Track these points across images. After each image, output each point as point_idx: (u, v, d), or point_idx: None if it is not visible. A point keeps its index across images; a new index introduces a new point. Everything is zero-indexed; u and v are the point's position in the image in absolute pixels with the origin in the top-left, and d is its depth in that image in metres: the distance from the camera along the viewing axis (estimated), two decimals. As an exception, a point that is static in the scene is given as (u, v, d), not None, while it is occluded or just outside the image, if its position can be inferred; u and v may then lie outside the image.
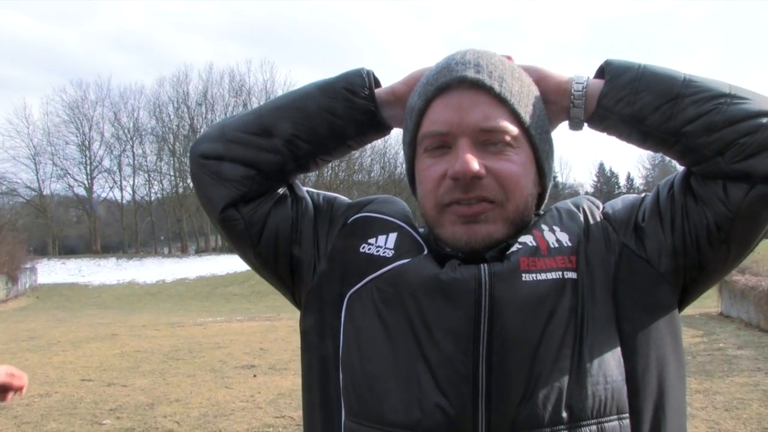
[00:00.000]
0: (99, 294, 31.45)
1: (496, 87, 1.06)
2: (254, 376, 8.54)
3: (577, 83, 1.12)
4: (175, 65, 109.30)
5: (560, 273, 1.05)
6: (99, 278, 36.20)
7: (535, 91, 1.13)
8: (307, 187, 1.33)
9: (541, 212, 1.19)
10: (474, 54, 1.11)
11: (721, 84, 1.04)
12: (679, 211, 1.07)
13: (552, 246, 1.07)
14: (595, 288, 1.05)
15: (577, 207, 1.16)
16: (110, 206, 58.26)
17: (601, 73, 1.11)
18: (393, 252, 1.13)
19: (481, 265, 1.04)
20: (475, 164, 1.02)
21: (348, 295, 1.12)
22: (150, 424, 6.27)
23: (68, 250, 54.58)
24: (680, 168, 1.12)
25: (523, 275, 1.03)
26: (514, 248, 1.06)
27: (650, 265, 1.07)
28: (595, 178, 71.77)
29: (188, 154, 1.27)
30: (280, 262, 1.21)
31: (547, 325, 1.01)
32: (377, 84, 1.22)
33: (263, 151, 1.18)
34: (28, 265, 32.80)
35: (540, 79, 1.15)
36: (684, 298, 1.11)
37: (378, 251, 1.14)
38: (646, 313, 1.06)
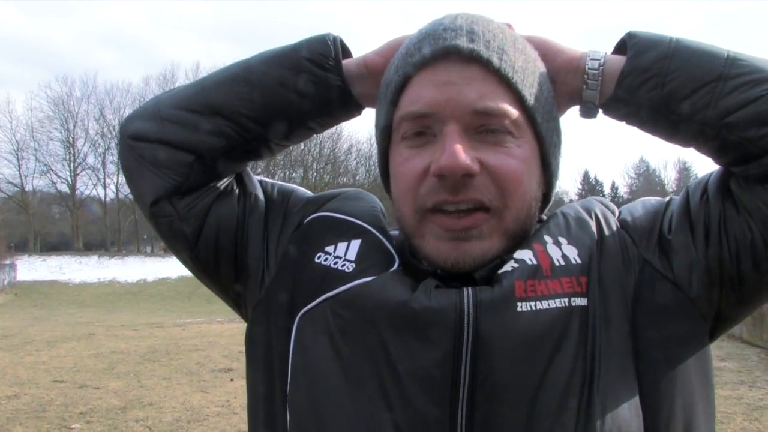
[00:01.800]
0: (79, 292, 31.06)
1: (495, 60, 0.85)
2: (231, 380, 8.35)
3: (592, 59, 0.91)
4: (163, 64, 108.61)
5: (566, 300, 0.83)
6: (80, 276, 35.79)
7: (541, 68, 0.92)
8: (303, 188, 1.11)
9: (544, 218, 0.98)
10: (467, 18, 0.89)
11: None
12: (715, 220, 0.86)
13: (557, 264, 0.86)
14: (610, 317, 0.84)
15: (589, 213, 0.94)
16: (93, 204, 57.80)
17: (622, 48, 0.91)
18: (354, 266, 0.91)
19: (464, 291, 0.83)
20: (465, 157, 0.81)
21: (298, 316, 0.91)
22: (121, 429, 6.08)
23: (50, 247, 54.04)
24: (697, 173, 0.92)
25: (519, 304, 0.82)
26: (508, 267, 0.85)
27: (678, 289, 0.85)
28: (580, 186, 72.01)
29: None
30: (222, 267, 1.02)
31: (549, 368, 0.80)
32: (346, 54, 1.01)
33: (204, 133, 0.97)
34: (7, 262, 32.36)
35: (547, 53, 0.94)
36: (717, 326, 0.89)
37: (336, 263, 0.92)
38: (672, 348, 0.84)
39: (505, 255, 0.87)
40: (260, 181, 1.09)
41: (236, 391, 7.62)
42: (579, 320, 0.82)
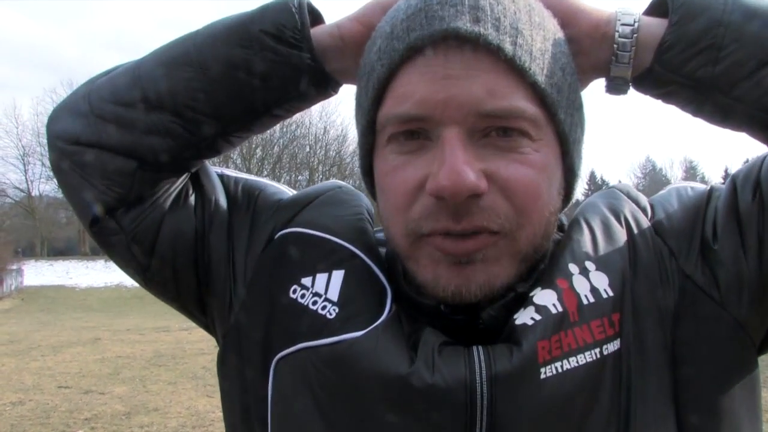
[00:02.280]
0: (86, 297, 31.06)
1: (508, 46, 0.66)
2: (237, 384, 8.29)
3: (623, 24, 0.72)
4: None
5: (598, 351, 0.68)
6: (86, 280, 35.82)
7: (563, 44, 0.73)
8: (274, 183, 0.94)
9: (563, 219, 0.83)
10: None
11: None
12: None
13: (585, 302, 0.70)
14: (647, 354, 0.69)
15: (617, 217, 0.78)
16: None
17: (659, 6, 0.73)
18: (336, 310, 0.74)
19: (475, 354, 0.68)
20: (470, 175, 0.64)
21: (275, 359, 0.76)
22: (125, 436, 6.01)
23: (57, 252, 54.23)
24: (765, 152, 0.74)
25: (542, 370, 0.66)
26: (527, 319, 0.69)
27: (724, 310, 0.71)
28: (586, 187, 71.78)
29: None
30: (182, 291, 0.86)
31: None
32: (317, 20, 0.82)
33: (145, 132, 0.79)
34: (14, 267, 32.40)
35: (568, 16, 0.74)
36: (764, 344, 0.75)
37: (315, 304, 0.75)
38: (716, 380, 0.71)
39: (519, 285, 0.73)
40: (221, 177, 0.90)
41: (242, 396, 7.56)
42: (612, 370, 0.69)
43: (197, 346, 11.77)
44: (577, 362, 0.67)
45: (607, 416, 0.68)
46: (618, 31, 0.72)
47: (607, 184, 71.01)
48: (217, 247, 0.84)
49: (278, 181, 0.96)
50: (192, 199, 0.86)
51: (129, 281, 30.58)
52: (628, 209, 0.80)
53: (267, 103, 0.81)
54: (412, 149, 0.69)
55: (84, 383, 8.45)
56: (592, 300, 0.71)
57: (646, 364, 0.70)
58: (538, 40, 0.69)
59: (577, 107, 0.75)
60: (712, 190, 0.79)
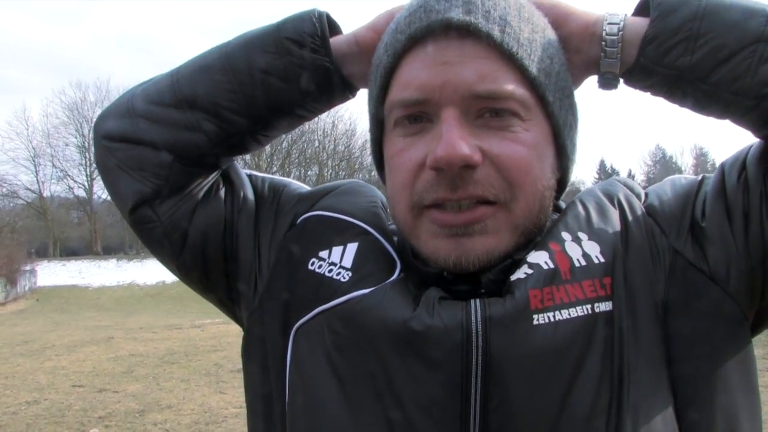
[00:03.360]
0: (99, 296, 31.31)
1: (496, 33, 0.74)
2: (250, 380, 8.33)
3: (609, 24, 0.79)
4: (174, 66, 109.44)
5: (589, 306, 0.73)
6: (99, 280, 36.10)
7: (552, 37, 0.81)
8: (298, 182, 1.02)
9: (562, 205, 0.87)
10: None
11: None
12: (756, 203, 0.75)
13: (577, 265, 0.76)
14: (639, 321, 0.74)
15: (611, 199, 0.83)
16: (111, 207, 58.27)
17: (644, 8, 0.80)
18: (350, 274, 0.82)
19: (472, 303, 0.74)
20: (464, 147, 0.72)
21: (294, 329, 0.83)
22: (139, 433, 6.05)
23: (69, 252, 54.61)
24: (754, 140, 0.78)
25: (535, 317, 0.72)
26: (521, 273, 0.76)
27: (714, 282, 0.75)
28: (596, 175, 71.50)
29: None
30: (212, 277, 0.94)
31: (572, 387, 0.71)
32: (335, 30, 0.91)
33: (181, 128, 0.88)
34: (27, 268, 32.68)
35: (560, 18, 0.83)
36: (758, 321, 0.79)
37: (330, 271, 0.83)
38: (708, 349, 0.75)
39: (517, 254, 0.78)
40: (249, 176, 0.99)
41: (255, 392, 7.60)
42: (604, 328, 0.73)
43: (209, 343, 11.87)
44: (569, 315, 0.72)
45: (600, 372, 0.71)
46: (605, 30, 0.79)
47: (617, 172, 70.83)
48: (245, 235, 0.92)
49: (288, 176, 1.01)
50: (222, 193, 0.94)
51: (141, 280, 30.85)
52: (623, 194, 0.85)
53: (291, 104, 0.90)
54: (416, 131, 0.77)
55: (98, 382, 8.54)
56: (583, 263, 0.76)
57: (638, 330, 0.74)
58: (526, 31, 0.77)
59: (567, 94, 0.82)
60: (703, 178, 0.85)
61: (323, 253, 0.85)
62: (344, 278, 0.82)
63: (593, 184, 0.91)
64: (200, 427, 6.20)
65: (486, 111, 0.75)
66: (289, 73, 0.87)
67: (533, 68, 0.76)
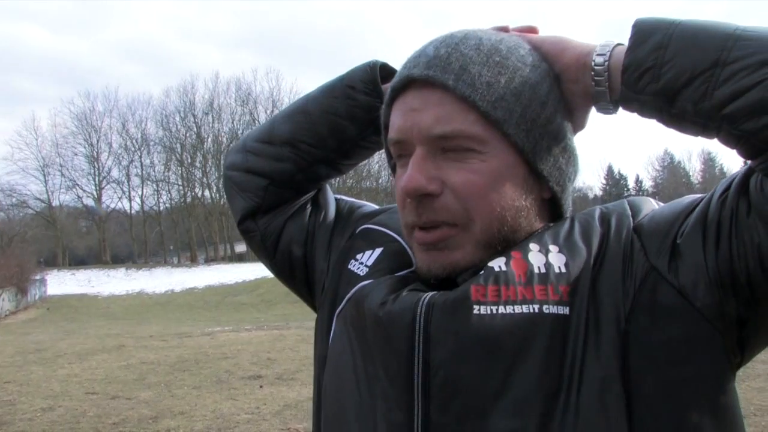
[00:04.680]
0: (108, 305, 31.46)
1: (450, 82, 0.85)
2: (260, 386, 8.40)
3: (598, 55, 0.85)
4: (182, 75, 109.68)
5: (536, 306, 0.80)
6: (108, 289, 36.28)
7: (527, 75, 0.88)
8: (373, 204, 1.25)
9: (567, 217, 0.95)
10: (440, 42, 0.91)
11: None
12: (727, 222, 0.78)
13: (535, 272, 0.83)
14: (600, 330, 0.78)
15: (603, 219, 0.89)
16: (119, 217, 58.48)
17: None
18: (366, 270, 1.01)
19: (423, 295, 0.86)
20: (420, 179, 0.85)
21: (335, 315, 1.02)
22: (153, 439, 6.15)
23: (78, 261, 54.90)
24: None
25: (476, 307, 0.81)
26: (475, 275, 0.86)
27: (681, 296, 0.78)
28: (604, 181, 71.43)
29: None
30: (296, 275, 1.17)
31: (511, 369, 0.78)
32: (391, 75, 1.07)
33: (273, 159, 1.14)
34: (37, 277, 32.88)
35: (558, 52, 0.91)
36: (745, 348, 0.81)
37: (358, 268, 1.02)
38: (673, 368, 0.77)
39: (488, 260, 0.88)
40: (337, 199, 1.22)
41: (265, 398, 7.68)
42: (551, 328, 0.79)
43: (220, 350, 11.95)
44: (513, 311, 0.81)
45: (543, 366, 0.77)
46: (594, 61, 0.86)
47: (625, 178, 70.66)
48: (321, 244, 1.14)
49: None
50: (308, 211, 1.18)
51: (150, 289, 30.81)
52: (617, 214, 0.89)
53: (355, 137, 1.12)
54: (403, 164, 0.93)
55: (111, 389, 8.64)
56: (543, 271, 0.84)
57: (599, 340, 0.78)
58: (487, 75, 0.87)
59: (540, 123, 0.89)
60: (703, 199, 0.86)
61: (359, 256, 1.04)
62: (362, 273, 1.00)
63: (602, 205, 0.95)
64: (213, 433, 6.28)
65: (448, 149, 0.88)
66: (349, 113, 1.09)
67: (488, 107, 0.85)
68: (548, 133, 0.90)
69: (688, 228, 0.81)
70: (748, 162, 0.78)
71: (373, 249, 1.04)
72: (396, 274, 0.97)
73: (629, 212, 0.89)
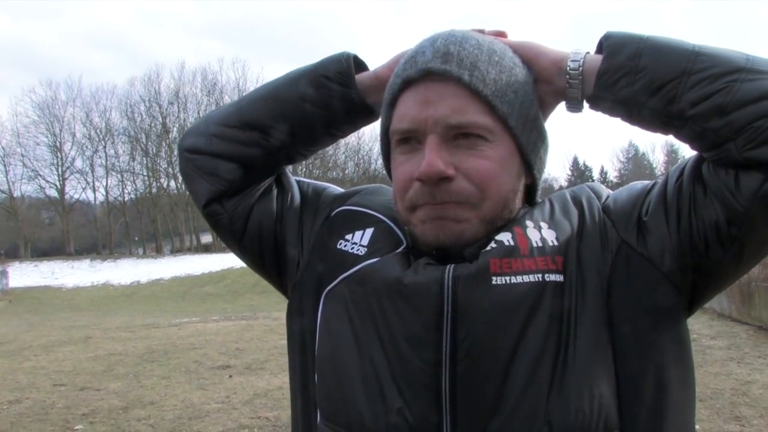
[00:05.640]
0: (73, 296, 31.06)
1: (466, 77, 0.96)
2: (230, 376, 8.45)
3: (572, 61, 0.99)
4: (147, 64, 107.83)
5: (540, 275, 0.94)
6: (73, 280, 35.76)
7: (519, 74, 1.02)
8: (335, 185, 1.28)
9: (538, 201, 1.09)
10: (446, 39, 1.00)
11: (736, 57, 0.89)
12: (686, 203, 0.94)
13: (534, 245, 0.97)
14: (586, 291, 0.94)
15: (575, 200, 1.05)
16: (83, 207, 57.60)
17: (602, 47, 0.99)
18: (365, 249, 1.06)
19: (447, 267, 0.96)
20: (440, 164, 0.94)
21: (324, 294, 1.07)
22: (124, 428, 6.17)
23: (41, 253, 53.90)
24: (683, 156, 1.01)
25: (494, 278, 0.94)
26: (488, 247, 0.97)
27: (651, 264, 0.95)
28: (569, 172, 72.22)
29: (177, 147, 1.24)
30: (265, 257, 1.19)
31: (524, 333, 0.91)
32: (362, 68, 1.16)
33: (243, 144, 1.15)
34: (-1, 269, 32.27)
35: (533, 57, 1.04)
36: (692, 303, 0.99)
37: (353, 248, 1.08)
38: (644, 317, 0.94)
39: (487, 237, 0.99)
40: (297, 181, 1.25)
41: (235, 388, 7.72)
42: (552, 293, 0.93)
43: (188, 341, 11.94)
44: (523, 280, 0.94)
45: (547, 329, 0.92)
46: (569, 66, 0.99)
47: (590, 169, 71.41)
48: (291, 225, 1.18)
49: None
50: (275, 193, 1.21)
51: (115, 280, 30.26)
52: (585, 196, 1.06)
53: (325, 126, 1.16)
54: (408, 151, 1.00)
55: (79, 380, 8.61)
56: (540, 245, 0.97)
57: (585, 299, 0.94)
58: (492, 72, 0.99)
59: (531, 119, 1.03)
60: (654, 183, 1.03)
61: (348, 236, 1.10)
62: (361, 252, 1.06)
63: (565, 189, 1.12)
64: (183, 422, 6.31)
65: (459, 136, 0.97)
66: (323, 102, 1.12)
67: (496, 102, 0.97)
68: (536, 128, 1.05)
69: (651, 208, 0.98)
70: (701, 153, 0.95)
71: (363, 229, 1.09)
72: (396, 251, 1.04)
73: (593, 195, 1.06)
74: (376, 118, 1.17)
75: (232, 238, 1.20)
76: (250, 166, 1.15)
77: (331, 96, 1.12)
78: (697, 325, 11.26)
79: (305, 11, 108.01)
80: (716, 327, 10.92)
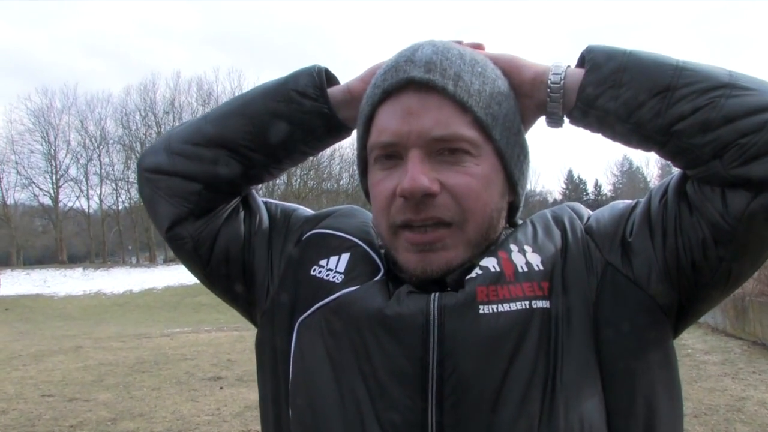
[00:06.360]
0: (65, 305, 30.79)
1: (450, 87, 0.91)
2: (221, 388, 8.36)
3: (554, 74, 0.96)
4: (143, 73, 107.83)
5: (527, 303, 0.91)
6: (65, 289, 35.50)
7: (502, 87, 0.98)
8: (272, 198, 1.22)
9: (518, 222, 1.05)
10: (427, 48, 0.95)
11: (720, 72, 0.88)
12: (671, 222, 0.92)
13: (520, 270, 0.94)
14: (572, 317, 0.91)
15: (557, 221, 1.02)
16: (77, 216, 57.41)
17: (583, 61, 0.96)
18: (342, 277, 1.01)
19: (431, 296, 0.92)
20: (424, 180, 0.90)
21: (298, 323, 1.01)
22: (111, 441, 6.08)
23: (33, 261, 53.62)
24: (676, 170, 0.95)
25: (481, 307, 0.90)
26: (473, 274, 0.94)
27: (637, 287, 0.92)
28: (564, 185, 72.38)
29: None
30: (233, 282, 1.12)
31: (512, 363, 0.88)
32: (333, 82, 1.10)
33: (208, 163, 1.06)
34: (-10, 277, 32.06)
35: (513, 69, 1.00)
36: (679, 322, 0.97)
37: (328, 275, 1.02)
38: (632, 342, 0.91)
39: (471, 262, 0.95)
40: (265, 203, 1.18)
41: (226, 400, 7.64)
42: (540, 321, 0.90)
43: (179, 352, 11.85)
44: (510, 308, 0.90)
45: (535, 358, 0.88)
46: (550, 79, 0.96)
47: (585, 183, 71.68)
48: (260, 250, 1.11)
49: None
50: (242, 215, 1.13)
51: (108, 289, 30.18)
52: (567, 217, 1.02)
53: (296, 142, 1.08)
54: (389, 166, 0.95)
55: (68, 391, 8.50)
56: (525, 270, 0.94)
57: (572, 324, 0.90)
58: (476, 83, 0.94)
59: (514, 132, 0.99)
60: (637, 203, 1.00)
61: (323, 262, 1.03)
62: (338, 280, 1.00)
63: (547, 209, 1.08)
64: (173, 435, 6.23)
65: (443, 151, 0.92)
66: (294, 118, 1.05)
67: (481, 113, 0.93)
68: (518, 142, 1.01)
69: (635, 228, 0.95)
70: (684, 170, 0.92)
71: (339, 255, 1.04)
72: (375, 279, 0.99)
73: (575, 215, 1.02)
74: (349, 135, 1.12)
75: (197, 264, 1.12)
76: (216, 187, 1.08)
77: (302, 111, 1.05)
78: (692, 339, 11.22)
79: (302, 19, 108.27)
80: (710, 342, 10.87)
